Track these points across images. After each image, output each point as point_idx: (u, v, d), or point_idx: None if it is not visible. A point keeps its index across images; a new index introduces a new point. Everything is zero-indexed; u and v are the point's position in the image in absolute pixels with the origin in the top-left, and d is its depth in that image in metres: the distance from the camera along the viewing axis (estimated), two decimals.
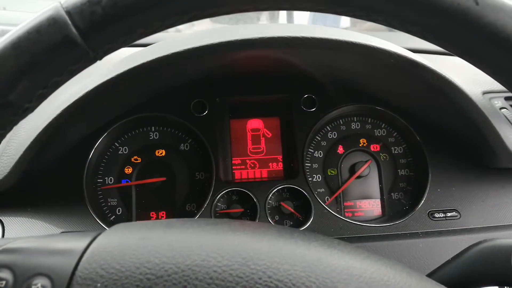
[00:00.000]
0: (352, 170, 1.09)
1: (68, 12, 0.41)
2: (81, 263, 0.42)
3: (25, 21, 0.43)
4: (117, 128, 1.07)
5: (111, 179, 1.07)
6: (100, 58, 0.45)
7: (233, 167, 1.10)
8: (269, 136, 1.12)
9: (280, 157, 1.11)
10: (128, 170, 1.08)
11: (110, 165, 1.07)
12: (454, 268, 0.69)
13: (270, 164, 1.11)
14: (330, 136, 1.11)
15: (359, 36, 0.81)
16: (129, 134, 1.09)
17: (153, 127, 1.10)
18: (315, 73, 1.06)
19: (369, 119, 1.12)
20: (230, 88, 1.10)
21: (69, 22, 0.42)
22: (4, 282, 0.42)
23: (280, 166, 1.11)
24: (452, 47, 0.45)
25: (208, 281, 0.40)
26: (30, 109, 0.46)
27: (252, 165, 1.10)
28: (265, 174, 1.10)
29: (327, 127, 1.11)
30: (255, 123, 1.12)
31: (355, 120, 1.12)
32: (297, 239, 0.48)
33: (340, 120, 1.12)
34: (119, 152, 1.08)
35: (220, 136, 1.08)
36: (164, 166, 1.08)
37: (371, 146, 1.11)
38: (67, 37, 0.42)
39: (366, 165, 1.08)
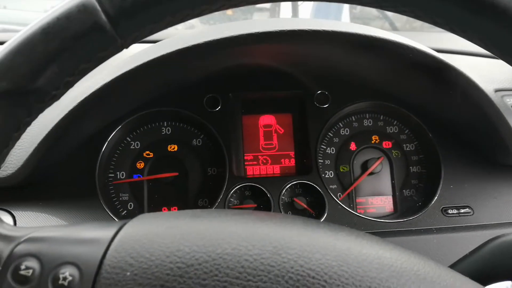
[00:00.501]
0: (364, 166, 1.09)
1: None
2: (109, 252, 0.42)
3: (55, 7, 0.43)
4: (130, 123, 1.06)
5: (122, 173, 1.06)
6: (127, 46, 0.45)
7: (245, 163, 1.10)
8: (281, 132, 1.12)
9: (292, 153, 1.11)
10: (140, 165, 1.07)
11: (122, 160, 1.07)
12: (471, 263, 0.69)
13: (282, 160, 1.11)
14: (342, 132, 1.12)
15: (379, 31, 0.82)
16: (142, 129, 1.08)
17: (165, 122, 1.09)
18: (329, 69, 1.06)
19: (381, 116, 1.13)
20: (243, 84, 1.09)
21: (99, 8, 0.41)
22: (31, 271, 0.41)
23: (292, 162, 1.11)
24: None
25: (240, 269, 0.40)
26: (57, 97, 0.46)
27: (264, 161, 1.10)
28: (277, 170, 1.10)
29: (340, 123, 1.12)
30: (267, 119, 1.12)
31: (367, 117, 1.13)
32: (325, 229, 0.48)
33: (353, 117, 1.12)
34: (131, 147, 1.08)
35: (232, 132, 1.08)
36: (176, 161, 1.08)
37: (383, 143, 1.11)
38: (97, 23, 0.42)
39: (378, 162, 1.08)
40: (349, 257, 0.42)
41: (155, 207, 1.06)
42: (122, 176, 1.06)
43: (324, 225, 0.50)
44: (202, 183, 1.08)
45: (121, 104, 1.03)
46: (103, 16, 0.41)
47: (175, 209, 1.07)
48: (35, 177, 0.94)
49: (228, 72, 1.07)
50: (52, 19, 0.42)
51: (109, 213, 0.97)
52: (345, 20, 2.73)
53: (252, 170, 1.10)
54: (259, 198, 1.05)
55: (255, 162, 1.10)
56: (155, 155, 1.08)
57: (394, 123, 1.13)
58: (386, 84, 1.06)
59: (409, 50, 0.80)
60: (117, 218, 0.98)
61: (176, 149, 1.08)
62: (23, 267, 0.42)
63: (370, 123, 1.12)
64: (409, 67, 0.89)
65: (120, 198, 1.06)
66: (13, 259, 0.42)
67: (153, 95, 1.06)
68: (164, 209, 1.06)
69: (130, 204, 1.06)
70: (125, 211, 1.05)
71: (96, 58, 0.44)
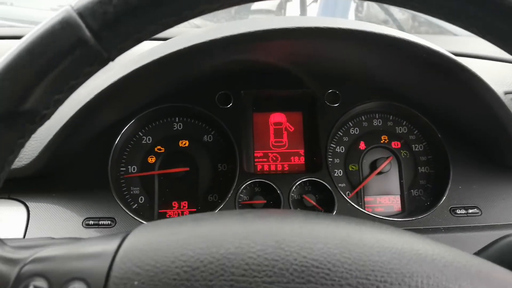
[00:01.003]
0: (373, 166, 1.10)
1: (80, 14, 0.41)
2: (115, 264, 0.42)
3: (37, 26, 0.43)
4: (142, 118, 1.07)
5: (134, 167, 1.08)
6: (113, 59, 0.45)
7: (255, 160, 1.11)
8: (291, 130, 1.13)
9: (302, 151, 1.12)
10: (151, 159, 1.08)
11: (133, 154, 1.08)
12: None
13: (292, 158, 1.12)
14: (352, 132, 1.13)
15: (393, 30, 0.83)
16: (153, 124, 1.10)
17: (177, 118, 1.11)
18: (339, 68, 1.07)
19: (391, 116, 1.14)
20: (254, 82, 1.11)
21: (82, 23, 0.41)
22: None
23: (302, 160, 1.12)
24: None
25: (245, 267, 0.41)
26: (47, 116, 0.46)
27: (274, 158, 1.11)
28: (286, 168, 1.11)
29: (350, 122, 1.13)
30: (277, 117, 1.13)
31: (377, 117, 1.14)
32: (324, 219, 0.49)
33: (363, 117, 1.13)
34: (143, 142, 1.09)
35: (243, 129, 1.09)
36: (187, 156, 1.09)
37: (392, 143, 1.13)
38: (81, 39, 0.42)
39: (387, 162, 1.09)
40: (350, 244, 0.43)
41: (165, 202, 1.07)
42: (134, 170, 1.07)
43: (323, 215, 0.51)
44: (212, 178, 1.09)
45: (134, 98, 1.04)
46: (86, 32, 0.41)
47: (185, 203, 1.08)
48: (49, 169, 0.96)
49: (240, 69, 1.09)
50: (36, 38, 0.42)
51: (122, 206, 0.98)
52: (351, 17, 2.74)
53: (262, 167, 1.11)
54: (268, 195, 1.06)
55: (265, 159, 1.11)
56: (167, 150, 1.09)
57: (403, 124, 1.14)
58: (396, 84, 1.07)
59: (423, 50, 0.81)
60: (129, 211, 0.99)
61: (187, 144, 1.10)
62: (31, 287, 0.42)
63: (379, 123, 1.14)
64: (422, 67, 0.90)
65: (131, 192, 1.07)
66: (21, 281, 0.43)
67: (165, 91, 1.07)
68: (174, 204, 1.08)
69: (141, 198, 1.07)
70: (136, 205, 1.06)
71: (83, 73, 0.44)
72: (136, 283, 0.40)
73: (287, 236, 0.44)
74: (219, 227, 0.47)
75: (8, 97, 0.42)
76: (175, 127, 1.10)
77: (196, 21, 1.89)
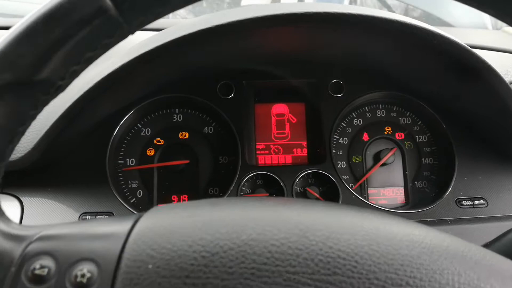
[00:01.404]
0: (377, 157, 1.08)
1: None
2: (127, 246, 0.40)
3: None
4: (141, 109, 1.04)
5: (132, 160, 1.04)
6: (133, 32, 0.43)
7: (256, 152, 1.08)
8: (294, 122, 1.11)
9: (304, 143, 1.10)
10: (150, 152, 1.05)
11: (132, 146, 1.05)
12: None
13: (295, 149, 1.09)
14: (355, 123, 1.11)
15: (402, 16, 0.81)
16: (153, 115, 1.06)
17: (177, 109, 1.07)
18: (344, 58, 1.05)
19: (395, 107, 1.12)
20: (256, 72, 1.08)
21: None
22: (46, 270, 0.40)
23: (305, 152, 1.09)
24: None
25: (267, 255, 0.39)
26: (62, 87, 0.44)
27: (276, 150, 1.09)
28: (289, 160, 1.09)
29: (353, 113, 1.11)
30: (280, 108, 1.11)
31: (380, 107, 1.12)
32: (349, 210, 0.47)
33: (366, 107, 1.11)
34: (142, 134, 1.05)
35: (245, 120, 1.06)
36: (187, 149, 1.06)
37: (396, 134, 1.11)
38: (101, 8, 0.40)
39: (391, 153, 1.07)
40: (379, 236, 0.41)
41: (164, 195, 1.04)
42: (132, 163, 1.04)
43: (346, 207, 0.49)
44: (213, 171, 1.06)
45: (133, 88, 1.00)
46: (107, 1, 0.39)
47: (185, 197, 1.05)
48: (44, 162, 0.92)
49: (242, 59, 1.05)
50: (55, 5, 0.40)
51: (120, 200, 0.95)
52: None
53: (264, 160, 1.08)
54: (271, 187, 1.03)
55: (267, 151, 1.09)
56: (166, 142, 1.06)
57: (407, 115, 1.12)
58: (402, 74, 1.05)
59: (434, 36, 0.79)
60: (127, 205, 0.96)
61: (187, 136, 1.07)
62: (37, 266, 0.40)
63: (383, 113, 1.12)
64: (430, 55, 0.88)
65: (130, 186, 1.03)
66: (26, 259, 0.40)
67: (165, 81, 1.04)
68: (174, 197, 1.05)
69: (139, 192, 1.03)
70: (134, 199, 1.03)
71: (102, 45, 0.42)
72: (150, 266, 0.38)
73: (311, 225, 0.41)
74: (239, 212, 0.45)
75: (25, 64, 0.40)
76: (175, 119, 1.07)
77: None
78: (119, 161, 1.03)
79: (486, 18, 1.80)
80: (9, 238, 0.41)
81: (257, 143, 1.08)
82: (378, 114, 1.12)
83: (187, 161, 1.04)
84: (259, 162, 1.08)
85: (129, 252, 0.39)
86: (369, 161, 1.09)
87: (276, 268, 0.38)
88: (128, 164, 1.04)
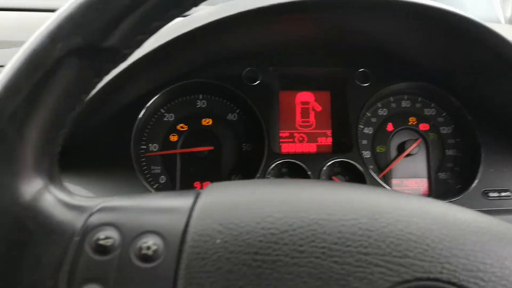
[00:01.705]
0: (401, 148, 1.08)
1: None
2: (192, 220, 0.40)
3: None
4: (164, 94, 1.02)
5: (155, 146, 1.02)
6: (197, 5, 0.43)
7: (280, 140, 1.07)
8: (318, 110, 1.09)
9: (329, 132, 1.08)
10: (173, 137, 1.03)
11: (155, 132, 1.03)
12: None
13: (319, 138, 1.08)
14: (380, 113, 1.10)
15: (434, 2, 0.80)
16: (176, 100, 1.05)
17: (200, 95, 1.06)
18: (372, 46, 1.04)
19: (419, 98, 1.11)
20: (282, 59, 1.06)
21: None
22: (110, 240, 0.39)
23: (329, 141, 1.08)
24: None
25: (337, 235, 0.38)
26: (126, 56, 0.43)
27: (301, 139, 1.08)
28: (313, 149, 1.08)
29: (378, 103, 1.10)
30: (305, 96, 1.09)
31: (405, 98, 1.11)
32: (412, 196, 0.47)
33: (391, 98, 1.10)
34: (165, 119, 1.04)
35: (269, 108, 1.05)
36: (211, 135, 1.05)
37: (420, 125, 1.10)
38: None
39: (416, 144, 1.07)
40: (447, 221, 0.41)
41: (187, 181, 1.03)
42: (155, 148, 1.02)
43: (407, 193, 0.49)
44: (236, 158, 1.05)
45: (159, 74, 0.98)
46: None
47: (207, 184, 1.03)
48: (68, 145, 0.89)
49: (268, 45, 1.04)
50: None
51: (146, 185, 0.93)
52: None
53: (287, 148, 1.07)
54: (295, 176, 1.02)
55: (291, 140, 1.07)
56: (189, 128, 1.04)
57: (432, 106, 1.11)
58: (432, 65, 1.04)
59: (468, 22, 0.79)
60: (152, 191, 0.94)
61: (210, 123, 1.05)
62: (102, 236, 0.39)
63: (408, 104, 1.11)
64: (469, 45, 0.87)
65: (152, 171, 1.02)
66: (89, 229, 0.40)
67: (190, 67, 1.02)
68: (196, 184, 1.03)
69: (162, 178, 1.02)
70: (157, 184, 1.01)
71: (169, 15, 0.42)
72: (218, 241, 0.38)
73: (380, 208, 0.41)
74: (307, 192, 0.44)
75: (94, 29, 0.39)
76: (198, 105, 1.05)
77: None
78: (142, 146, 1.02)
79: (498, 12, 1.79)
80: (70, 208, 0.41)
81: (281, 131, 1.07)
82: (403, 105, 1.11)
83: (211, 148, 1.03)
84: (283, 150, 1.06)
85: (195, 227, 0.39)
86: (393, 151, 1.09)
87: (347, 248, 0.37)
88: (150, 149, 1.02)
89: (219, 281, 0.36)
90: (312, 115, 1.09)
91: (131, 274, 0.38)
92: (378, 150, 1.08)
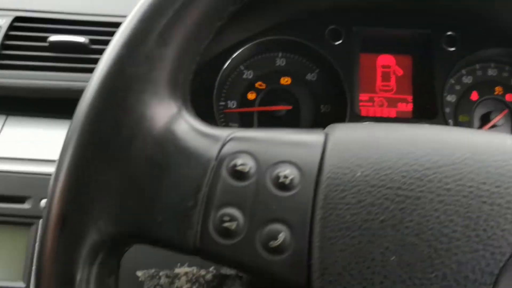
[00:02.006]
0: (485, 118, 1.03)
1: None
2: (327, 153, 0.39)
3: None
4: (244, 51, 1.00)
5: (233, 103, 1.02)
6: None
7: (359, 103, 1.04)
8: (399, 75, 1.06)
9: (410, 98, 1.05)
10: (251, 95, 1.02)
11: (233, 89, 1.02)
12: None
13: (399, 104, 1.05)
14: (464, 80, 1.05)
15: None
16: (255, 58, 1.03)
17: (280, 53, 1.04)
18: (463, 8, 0.99)
19: (507, 67, 1.06)
20: (366, 19, 1.03)
21: None
22: (247, 167, 0.39)
23: (410, 107, 1.05)
24: None
25: (486, 175, 0.37)
26: None
27: (380, 103, 1.05)
28: (392, 114, 1.05)
29: (463, 70, 1.05)
30: (386, 59, 1.06)
31: (492, 66, 1.06)
32: None
33: (477, 65, 1.05)
34: (243, 76, 1.02)
35: (351, 69, 1.02)
36: (289, 95, 1.03)
37: (507, 95, 1.05)
38: None
39: (502, 115, 1.02)
40: None
41: None
42: (233, 105, 1.02)
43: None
44: (314, 119, 1.03)
45: (239, 29, 0.97)
46: None
47: None
48: None
49: (353, 4, 1.01)
50: None
51: None
52: None
53: (367, 111, 1.04)
54: None
55: (370, 104, 1.05)
56: (268, 86, 1.03)
57: None
58: None
59: None
60: None
61: (289, 82, 1.03)
62: (238, 162, 0.39)
63: (494, 73, 1.06)
64: None
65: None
66: (225, 155, 0.40)
67: (271, 23, 1.00)
68: None
69: None
70: None
71: None
72: (358, 174, 0.37)
73: None
74: (444, 133, 0.43)
75: None
76: (277, 63, 1.04)
77: None
78: (221, 103, 1.01)
79: None
80: (203, 135, 0.41)
81: (360, 94, 1.04)
82: (489, 73, 1.06)
83: (290, 107, 1.01)
84: (362, 114, 1.04)
85: (331, 160, 0.39)
86: (476, 122, 1.04)
87: (496, 189, 0.36)
88: (229, 106, 1.01)
89: (360, 213, 0.36)
90: (393, 79, 1.06)
91: (269, 201, 0.38)
92: (460, 120, 1.04)
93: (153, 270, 0.74)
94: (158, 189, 0.39)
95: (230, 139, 0.41)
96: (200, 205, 0.39)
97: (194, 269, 0.77)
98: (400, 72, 1.06)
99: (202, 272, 0.77)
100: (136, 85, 0.40)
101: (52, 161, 0.87)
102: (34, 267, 0.41)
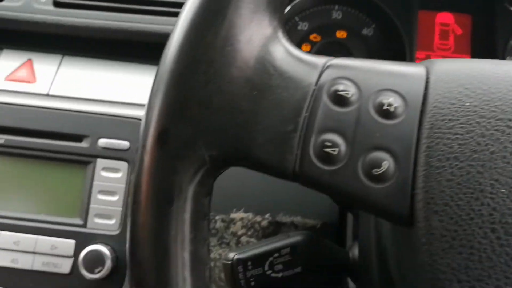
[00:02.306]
0: None
1: None
2: (431, 83, 0.38)
3: None
4: (300, 2, 0.98)
5: None
6: None
7: (416, 61, 1.02)
8: (458, 34, 1.03)
9: (468, 58, 1.02)
10: (306, 47, 1.00)
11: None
12: None
13: None
14: None
15: None
16: (310, 10, 1.01)
17: (336, 6, 1.01)
18: None
19: None
20: None
21: None
22: (350, 93, 0.38)
23: None
24: None
25: None
26: None
27: None
28: None
29: None
30: (444, 17, 1.03)
31: None
32: None
33: None
34: (298, 28, 1.00)
35: (409, 25, 0.99)
36: (344, 48, 1.01)
37: None
38: None
39: None
40: None
41: None
42: None
43: None
44: None
45: None
46: None
47: None
48: None
49: None
50: None
51: None
52: None
53: None
54: None
55: None
56: (323, 39, 1.01)
57: None
58: None
59: None
60: None
61: (345, 36, 1.01)
62: (340, 88, 0.38)
63: None
64: None
65: None
66: (326, 80, 0.39)
67: None
68: None
69: None
70: None
71: None
72: (467, 104, 0.36)
73: None
74: None
75: None
76: (333, 16, 1.01)
77: None
78: None
79: None
80: (301, 61, 0.41)
81: (416, 52, 1.02)
82: None
83: None
84: None
85: (436, 89, 0.37)
86: None
87: None
88: None
89: (469, 144, 0.35)
90: (451, 37, 1.02)
91: (372, 128, 0.37)
92: None
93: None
94: (258, 111, 0.39)
95: (328, 66, 0.40)
96: (300, 130, 0.38)
97: (249, 215, 0.78)
98: (459, 31, 1.02)
99: (258, 218, 0.78)
100: (239, 2, 0.39)
101: (109, 101, 0.87)
102: (131, 185, 0.40)
